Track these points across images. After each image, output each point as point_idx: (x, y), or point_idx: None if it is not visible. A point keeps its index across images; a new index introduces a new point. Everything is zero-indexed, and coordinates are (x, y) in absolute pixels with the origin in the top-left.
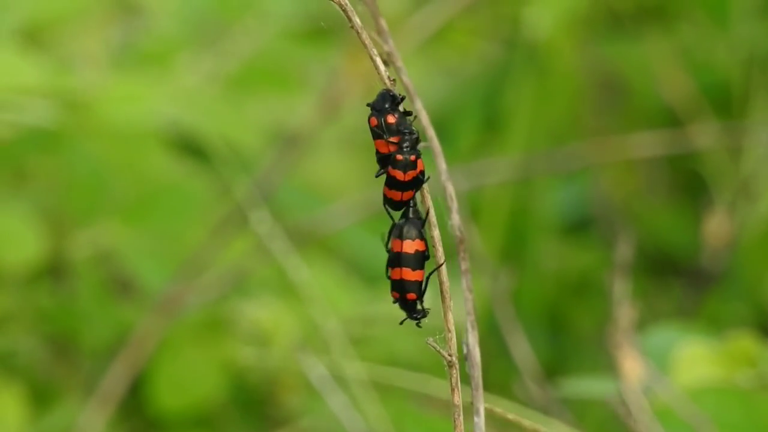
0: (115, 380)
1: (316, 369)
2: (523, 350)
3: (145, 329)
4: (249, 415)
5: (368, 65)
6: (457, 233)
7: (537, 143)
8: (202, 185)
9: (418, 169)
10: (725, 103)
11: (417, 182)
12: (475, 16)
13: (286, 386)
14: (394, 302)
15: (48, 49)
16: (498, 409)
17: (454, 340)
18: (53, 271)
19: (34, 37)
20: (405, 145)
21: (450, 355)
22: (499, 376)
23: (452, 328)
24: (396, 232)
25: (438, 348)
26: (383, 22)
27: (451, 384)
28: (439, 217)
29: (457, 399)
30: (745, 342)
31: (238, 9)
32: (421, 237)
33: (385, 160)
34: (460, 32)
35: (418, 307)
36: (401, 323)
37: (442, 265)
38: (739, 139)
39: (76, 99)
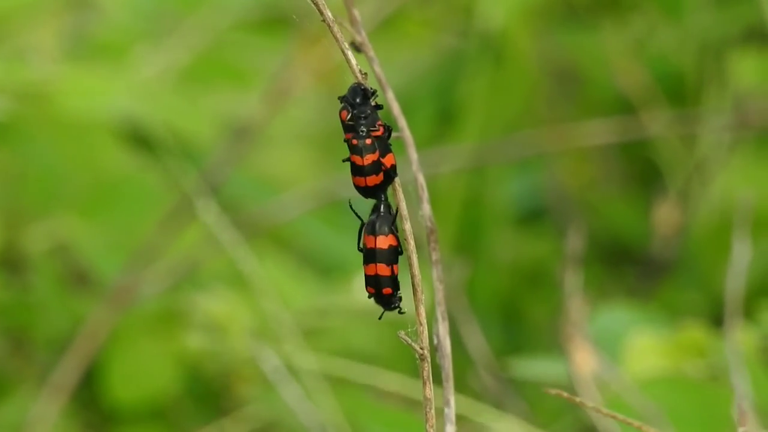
0: (68, 372)
1: (270, 360)
2: (476, 340)
3: (98, 320)
4: (203, 406)
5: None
6: (428, 224)
7: (491, 133)
8: (156, 177)
9: (376, 154)
10: (678, 93)
11: (379, 168)
12: (429, 6)
13: (241, 378)
14: (370, 297)
15: (1, 41)
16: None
17: (426, 333)
18: (8, 263)
19: None
20: (360, 129)
21: (422, 348)
22: (453, 367)
23: (424, 321)
24: (369, 229)
25: (409, 341)
26: (356, 13)
27: (423, 377)
28: (408, 206)
29: (429, 392)
30: (695, 332)
31: (192, 1)
32: (393, 232)
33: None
34: (413, 23)
35: (397, 297)
36: (380, 318)
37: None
38: (691, 128)
39: (31, 91)
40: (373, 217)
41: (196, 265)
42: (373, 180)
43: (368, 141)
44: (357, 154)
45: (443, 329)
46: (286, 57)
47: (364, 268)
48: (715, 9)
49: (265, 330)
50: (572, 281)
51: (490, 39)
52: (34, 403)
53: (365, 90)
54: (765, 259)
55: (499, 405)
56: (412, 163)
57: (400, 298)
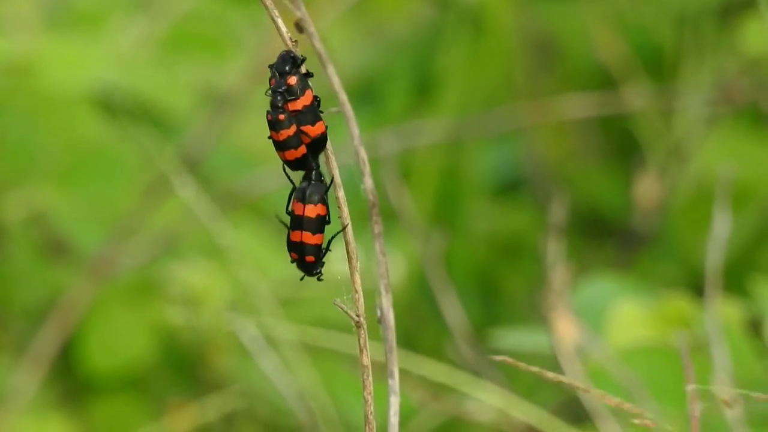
0: (46, 342)
1: (247, 330)
2: (454, 312)
3: (76, 291)
4: (180, 376)
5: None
6: (370, 197)
7: (470, 105)
8: (134, 148)
9: (292, 129)
10: (658, 65)
11: (298, 141)
12: None
13: (218, 348)
14: (292, 262)
15: None
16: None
17: (362, 300)
18: None
19: None
20: (276, 103)
21: (358, 316)
22: (431, 338)
23: (359, 289)
24: (298, 195)
25: (345, 309)
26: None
27: (360, 344)
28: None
29: (366, 359)
30: (679, 302)
31: None
32: (323, 201)
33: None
34: None
35: (320, 265)
36: (301, 280)
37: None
38: (671, 101)
39: (8, 62)
40: (304, 184)
41: (176, 236)
42: (291, 154)
43: (281, 116)
44: (272, 129)
45: (386, 302)
46: (264, 28)
47: (289, 233)
48: None
49: (242, 300)
50: (554, 251)
51: (468, 10)
52: (13, 373)
53: (295, 58)
54: (744, 231)
55: (477, 375)
56: (353, 138)
57: (323, 264)
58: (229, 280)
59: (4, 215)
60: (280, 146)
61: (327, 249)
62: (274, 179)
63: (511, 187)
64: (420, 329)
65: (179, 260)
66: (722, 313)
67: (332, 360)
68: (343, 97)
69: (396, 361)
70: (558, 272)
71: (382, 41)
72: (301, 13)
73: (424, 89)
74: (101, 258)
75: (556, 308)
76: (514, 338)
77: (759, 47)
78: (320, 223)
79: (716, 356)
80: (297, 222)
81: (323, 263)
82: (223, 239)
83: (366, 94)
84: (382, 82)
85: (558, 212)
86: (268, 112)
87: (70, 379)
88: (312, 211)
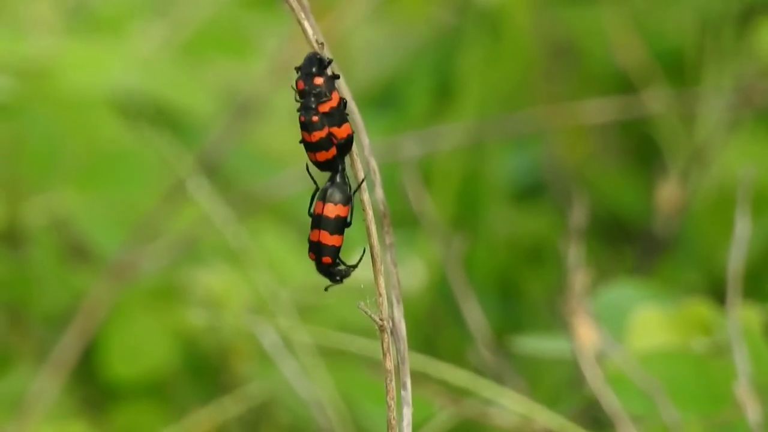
0: (67, 347)
1: (268, 336)
2: (475, 317)
3: (97, 296)
4: (201, 381)
5: (323, 28)
6: (381, 208)
7: (489, 109)
8: (155, 152)
9: (324, 131)
10: (678, 69)
11: (330, 143)
12: None
13: (238, 353)
14: (315, 266)
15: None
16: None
17: (386, 304)
18: (7, 237)
19: None
20: (309, 105)
21: (381, 320)
22: (452, 343)
23: (383, 292)
24: (320, 195)
25: (369, 312)
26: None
27: (383, 348)
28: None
29: (389, 363)
30: (700, 308)
31: None
32: (344, 203)
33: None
34: None
35: (338, 269)
36: (326, 290)
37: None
38: (692, 106)
39: (30, 66)
40: (328, 184)
41: (197, 240)
42: (323, 155)
43: (315, 118)
44: (305, 131)
45: (398, 312)
46: (285, 32)
47: (309, 233)
48: None
49: (263, 306)
50: (574, 255)
51: (488, 14)
52: (34, 379)
53: (321, 59)
54: (765, 236)
55: (498, 381)
56: (363, 147)
57: (344, 271)
58: (251, 285)
59: (26, 220)
60: (312, 147)
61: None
62: (295, 182)
63: (531, 191)
64: (441, 333)
65: (200, 265)
66: (743, 317)
67: (352, 366)
68: (353, 105)
69: (408, 372)
70: (578, 277)
71: (403, 45)
72: (318, 36)
73: (444, 93)
74: (122, 262)
75: (576, 313)
76: (535, 344)
77: None
78: (339, 224)
79: (737, 361)
80: (316, 221)
81: (343, 267)
82: (240, 243)
83: (387, 98)
84: (403, 86)
85: (578, 216)
86: (300, 113)
87: (91, 385)
88: (331, 210)
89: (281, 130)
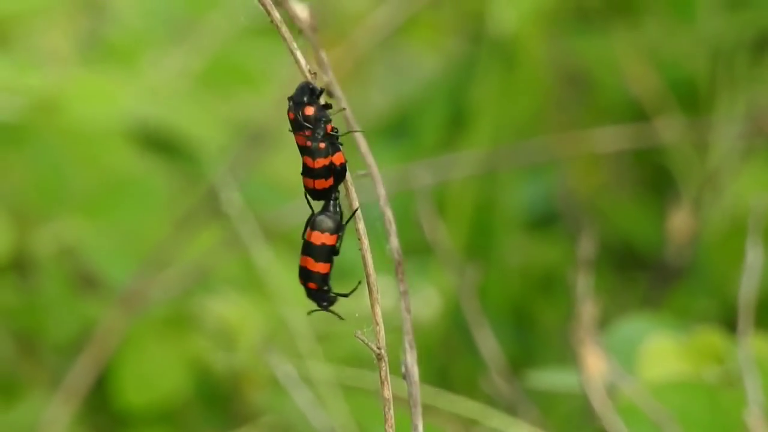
0: (79, 375)
1: (281, 365)
2: (489, 345)
3: (109, 324)
4: (213, 411)
5: (334, 60)
6: (395, 256)
7: (502, 138)
8: (165, 180)
9: (328, 159)
10: (691, 98)
11: (329, 172)
12: (440, 11)
13: (251, 382)
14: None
15: (13, 43)
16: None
17: (383, 332)
18: (17, 266)
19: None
20: (317, 132)
21: (379, 348)
22: (466, 372)
23: (380, 321)
24: (310, 222)
25: (366, 341)
26: (323, 55)
27: (381, 377)
28: (379, 239)
29: (387, 392)
30: (712, 337)
31: (204, 5)
32: (332, 231)
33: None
34: (425, 27)
35: (325, 295)
36: (309, 313)
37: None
38: (704, 134)
39: (42, 95)
40: (320, 211)
41: (208, 269)
42: (322, 183)
43: (322, 145)
44: (309, 156)
45: (411, 357)
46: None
47: (299, 258)
48: (728, 14)
49: (276, 334)
50: (584, 285)
51: (501, 43)
52: (46, 407)
53: (313, 89)
54: None
55: (511, 410)
56: (380, 198)
57: (331, 299)
58: (264, 314)
59: (36, 248)
60: (315, 174)
61: (329, 281)
62: (305, 212)
63: (544, 220)
64: (454, 362)
65: (212, 293)
66: (755, 346)
67: (365, 395)
68: (371, 159)
69: (420, 416)
70: (587, 307)
71: (416, 74)
72: (329, 78)
73: (457, 122)
74: (133, 291)
75: (585, 343)
76: (548, 378)
77: None
78: (324, 252)
79: (748, 390)
80: (304, 247)
81: (331, 294)
82: (264, 268)
83: (400, 127)
84: (416, 114)
85: (587, 246)
86: (308, 138)
87: (103, 413)
88: (317, 238)
89: (292, 159)
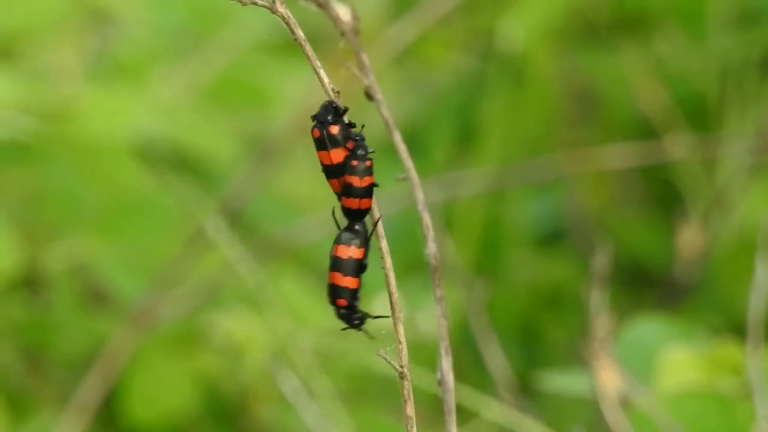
0: (89, 392)
1: (289, 381)
2: (497, 362)
3: (118, 341)
4: (222, 427)
5: (344, 78)
6: (433, 262)
7: (511, 155)
8: (175, 198)
9: (372, 177)
10: (700, 115)
11: (371, 192)
12: (449, 28)
13: (259, 398)
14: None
15: (21, 60)
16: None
17: (405, 351)
18: (27, 282)
19: (6, 49)
20: (359, 151)
21: (401, 367)
22: (474, 388)
23: (403, 339)
24: (337, 236)
25: (389, 359)
26: (365, 57)
27: (403, 395)
28: (416, 243)
29: (410, 410)
30: (729, 349)
31: (213, 21)
32: (359, 245)
33: (330, 172)
34: (434, 44)
35: (356, 313)
36: (342, 330)
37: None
38: (713, 151)
39: (52, 112)
40: (345, 227)
41: (217, 286)
42: (366, 203)
43: (368, 163)
44: (355, 176)
45: (446, 364)
46: (309, 79)
47: (327, 276)
48: (737, 32)
49: (284, 351)
50: (597, 298)
51: (510, 60)
52: (56, 423)
53: (336, 108)
54: None
55: (519, 426)
56: (418, 203)
57: (362, 316)
58: (271, 330)
59: (47, 265)
60: (360, 194)
61: (358, 296)
62: (316, 229)
63: (552, 237)
64: (463, 378)
65: (221, 310)
66: (764, 361)
67: (374, 410)
68: (410, 164)
69: (454, 423)
70: (601, 319)
71: (425, 91)
72: (369, 81)
73: (466, 139)
74: (143, 308)
75: (599, 357)
76: (559, 382)
77: None
78: (352, 267)
79: (758, 405)
80: (331, 264)
81: (360, 312)
82: (260, 288)
83: (409, 144)
84: (425, 132)
85: (601, 258)
86: (360, 157)
87: (113, 429)
88: (344, 252)
89: (302, 176)
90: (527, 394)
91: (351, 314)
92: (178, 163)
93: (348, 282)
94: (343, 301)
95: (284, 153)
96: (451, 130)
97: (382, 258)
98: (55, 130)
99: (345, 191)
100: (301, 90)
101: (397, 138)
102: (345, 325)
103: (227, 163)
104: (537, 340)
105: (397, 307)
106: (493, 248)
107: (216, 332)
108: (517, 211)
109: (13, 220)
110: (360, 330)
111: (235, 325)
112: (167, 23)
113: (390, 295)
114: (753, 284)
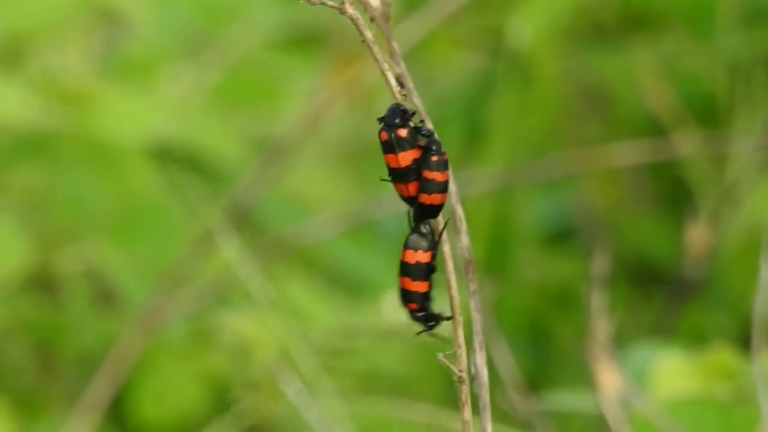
0: (98, 391)
1: (295, 382)
2: (505, 360)
3: (128, 341)
4: (230, 426)
5: (352, 76)
6: (466, 255)
7: (519, 153)
8: (185, 199)
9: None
10: (708, 113)
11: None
12: (458, 27)
13: (267, 398)
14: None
15: (30, 60)
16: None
17: (464, 356)
18: (39, 283)
19: (15, 49)
20: (434, 146)
21: (460, 371)
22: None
23: (462, 344)
24: (405, 241)
25: (449, 364)
26: (395, 45)
27: (461, 400)
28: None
29: (467, 414)
30: (724, 355)
31: (222, 19)
32: (426, 249)
33: (397, 175)
34: (443, 43)
35: (427, 316)
36: (418, 334)
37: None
38: (722, 149)
39: (62, 114)
40: (411, 230)
41: (226, 287)
42: (445, 198)
43: (446, 156)
44: (437, 170)
45: (480, 359)
46: (319, 77)
47: (398, 280)
48: (744, 29)
49: (292, 351)
50: (598, 301)
51: (518, 59)
52: (65, 423)
53: (404, 111)
54: None
55: (527, 425)
56: (451, 195)
57: (435, 318)
58: (280, 330)
59: (59, 267)
60: (443, 188)
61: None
62: (325, 228)
63: (561, 236)
64: (470, 378)
65: (230, 310)
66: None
67: (381, 412)
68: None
69: (489, 419)
70: (601, 324)
71: (433, 90)
72: (401, 69)
73: (474, 138)
74: (152, 308)
75: (599, 359)
76: (565, 399)
77: None
78: (421, 270)
79: (762, 407)
80: (400, 268)
81: (436, 317)
82: (267, 290)
83: None
84: (435, 130)
85: (602, 262)
86: (437, 152)
87: (122, 429)
88: (412, 257)
89: (312, 175)
90: (535, 393)
91: (423, 317)
92: (187, 162)
93: (418, 286)
94: (414, 305)
95: (293, 152)
96: (460, 129)
97: (444, 262)
98: (68, 130)
99: (425, 188)
100: (310, 87)
101: (430, 127)
102: (420, 328)
103: (236, 162)
104: (545, 338)
105: (457, 312)
106: (501, 247)
107: (224, 332)
108: (526, 210)
109: (26, 222)
110: (432, 334)
111: (243, 325)
112: (175, 22)
113: (451, 299)
114: (759, 282)
